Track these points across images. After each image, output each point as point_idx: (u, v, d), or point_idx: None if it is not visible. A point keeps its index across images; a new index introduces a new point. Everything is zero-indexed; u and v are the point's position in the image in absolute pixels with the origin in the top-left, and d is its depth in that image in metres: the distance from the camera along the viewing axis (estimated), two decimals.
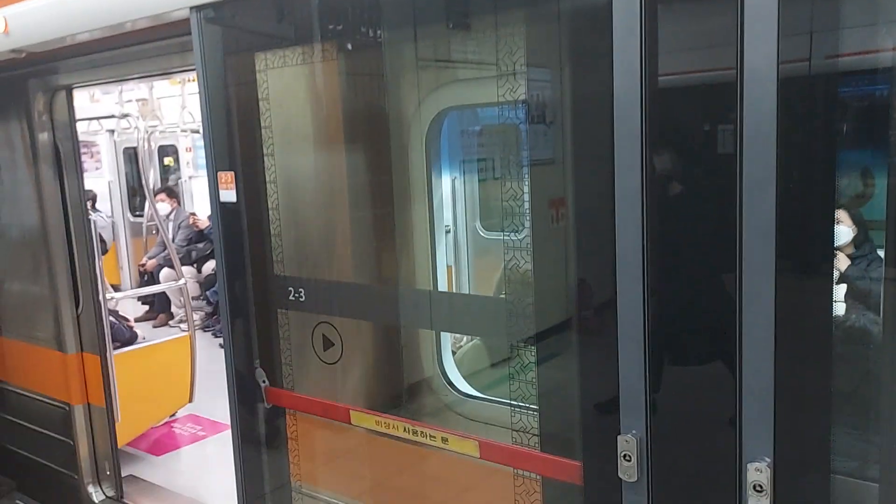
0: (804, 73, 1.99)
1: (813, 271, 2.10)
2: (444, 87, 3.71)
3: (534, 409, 2.84)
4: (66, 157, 5.00)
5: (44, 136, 5.04)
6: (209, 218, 8.98)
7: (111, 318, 5.74)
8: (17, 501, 5.95)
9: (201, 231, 11.07)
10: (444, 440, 2.99)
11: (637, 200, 2.18)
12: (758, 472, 2.04)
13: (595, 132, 2.32)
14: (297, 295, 3.55)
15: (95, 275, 5.13)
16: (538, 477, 2.89)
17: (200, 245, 11.05)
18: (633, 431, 2.26)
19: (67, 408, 5.41)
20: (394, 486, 3.62)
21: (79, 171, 5.05)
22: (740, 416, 2.08)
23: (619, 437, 2.28)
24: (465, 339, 4.80)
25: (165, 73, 4.72)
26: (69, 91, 4.92)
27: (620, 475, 2.29)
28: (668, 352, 2.23)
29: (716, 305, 2.15)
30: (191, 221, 11.13)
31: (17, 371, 5.82)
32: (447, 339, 4.10)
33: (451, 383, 4.02)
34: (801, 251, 2.05)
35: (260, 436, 3.78)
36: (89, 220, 5.18)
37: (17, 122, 5.18)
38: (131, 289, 11.56)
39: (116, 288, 6.85)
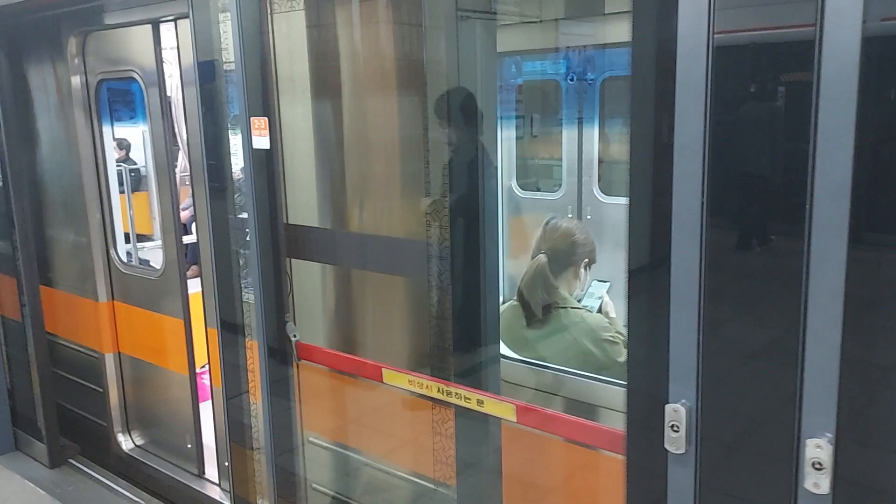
0: (891, 31, 1.81)
1: (890, 237, 1.94)
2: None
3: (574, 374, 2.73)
4: (152, 102, 4.78)
5: (76, 80, 4.95)
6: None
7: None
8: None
9: None
10: (480, 402, 2.89)
11: (698, 156, 2.02)
12: (818, 449, 1.91)
13: (655, 87, 2.16)
14: (316, 245, 3.45)
15: (178, 228, 5.03)
16: (452, 406, 2.93)
17: None
18: (683, 401, 2.13)
19: (98, 356, 5.41)
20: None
21: (165, 116, 4.78)
22: (801, 388, 1.94)
23: (666, 406, 2.16)
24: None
25: None
26: (156, 25, 4.50)
27: (667, 446, 2.17)
28: (724, 316, 2.08)
29: (780, 268, 2.00)
30: None
31: (60, 322, 5.81)
32: None
33: None
34: (880, 215, 1.89)
35: (288, 390, 3.72)
36: (174, 171, 4.94)
37: (49, 66, 5.10)
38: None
39: (149, 238, 6.87)
